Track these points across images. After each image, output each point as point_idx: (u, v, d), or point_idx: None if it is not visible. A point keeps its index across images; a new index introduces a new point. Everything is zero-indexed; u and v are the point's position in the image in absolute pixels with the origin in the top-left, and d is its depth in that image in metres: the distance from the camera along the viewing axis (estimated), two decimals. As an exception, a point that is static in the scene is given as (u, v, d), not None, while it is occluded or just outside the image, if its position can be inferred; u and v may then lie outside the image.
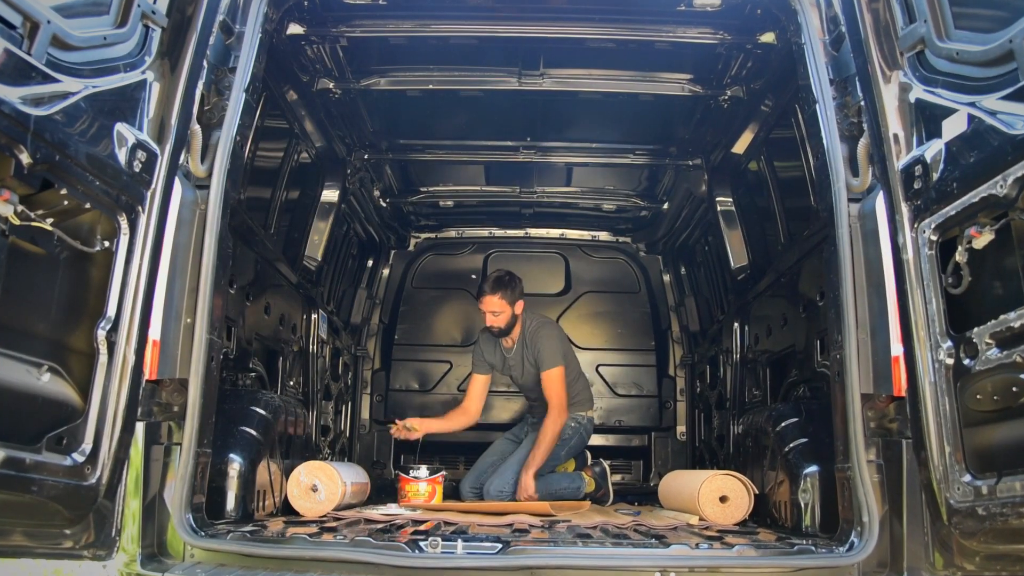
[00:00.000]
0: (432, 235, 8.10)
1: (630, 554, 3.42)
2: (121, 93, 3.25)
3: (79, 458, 3.11)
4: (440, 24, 4.64)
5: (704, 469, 6.50)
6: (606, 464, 6.59)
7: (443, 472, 5.96)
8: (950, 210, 3.06)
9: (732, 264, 6.19)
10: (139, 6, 3.31)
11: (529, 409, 6.76)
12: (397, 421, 6.27)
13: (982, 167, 2.89)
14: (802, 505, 4.03)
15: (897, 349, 3.33)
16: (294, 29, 4.60)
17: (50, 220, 2.90)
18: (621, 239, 8.11)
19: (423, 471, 5.82)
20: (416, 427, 6.17)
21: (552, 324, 6.58)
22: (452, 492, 6.42)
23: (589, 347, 7.88)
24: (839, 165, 3.58)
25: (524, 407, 7.05)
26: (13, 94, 2.62)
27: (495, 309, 6.16)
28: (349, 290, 7.46)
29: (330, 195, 6.23)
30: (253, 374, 5.02)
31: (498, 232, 8.12)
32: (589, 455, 6.76)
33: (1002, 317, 2.85)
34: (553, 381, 6.14)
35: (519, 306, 6.23)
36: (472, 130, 6.18)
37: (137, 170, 3.26)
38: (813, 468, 4.04)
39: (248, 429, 4.27)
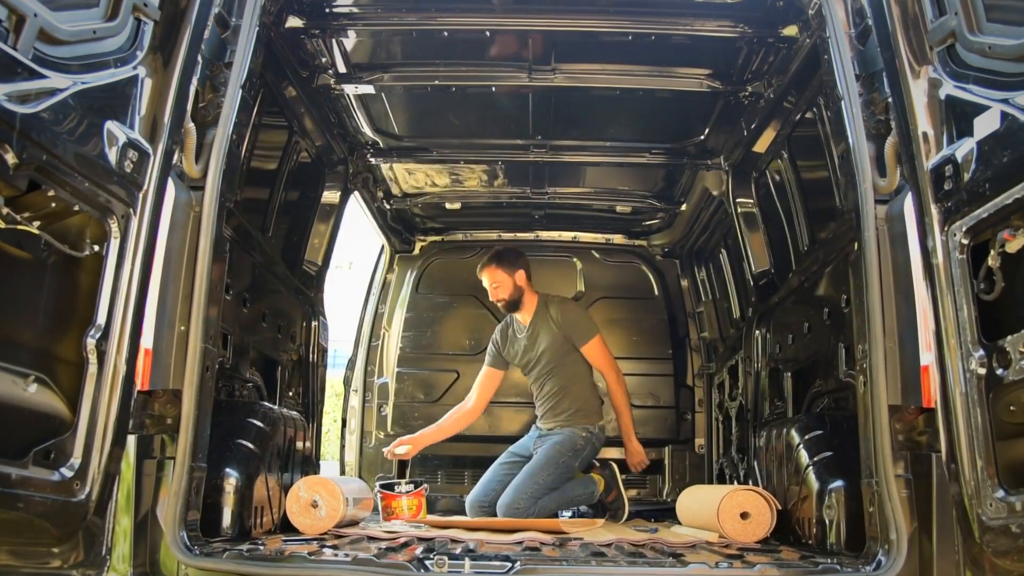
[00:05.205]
0: (438, 238, 7.95)
1: (646, 573, 3.36)
2: (111, 89, 3.15)
3: (67, 473, 3.02)
4: (446, 17, 4.54)
5: (724, 484, 6.39)
6: (615, 466, 6.42)
7: (425, 485, 5.83)
8: (982, 212, 2.95)
9: (753, 268, 6.04)
10: (131, -2, 3.22)
11: (538, 417, 6.48)
12: (384, 451, 6.31)
13: (1016, 167, 2.79)
14: (827, 522, 3.92)
15: (926, 358, 3.23)
16: (293, 22, 4.49)
17: (37, 223, 2.81)
18: (637, 242, 7.95)
19: (405, 485, 5.75)
20: (409, 446, 6.18)
21: (575, 301, 6.49)
22: (458, 509, 6.25)
23: (603, 355, 7.74)
24: (865, 165, 3.48)
25: (531, 419, 6.72)
26: (-2, 90, 2.54)
27: (494, 281, 6.16)
28: (352, 296, 7.37)
29: (331, 196, 6.11)
30: (250, 384, 4.91)
31: (507, 235, 7.94)
32: (595, 460, 6.58)
33: (1037, 325, 2.75)
34: (598, 350, 6.12)
35: (520, 276, 6.18)
36: (480, 128, 6.05)
37: (128, 170, 3.17)
38: (838, 483, 3.91)
39: (245, 442, 4.18)
